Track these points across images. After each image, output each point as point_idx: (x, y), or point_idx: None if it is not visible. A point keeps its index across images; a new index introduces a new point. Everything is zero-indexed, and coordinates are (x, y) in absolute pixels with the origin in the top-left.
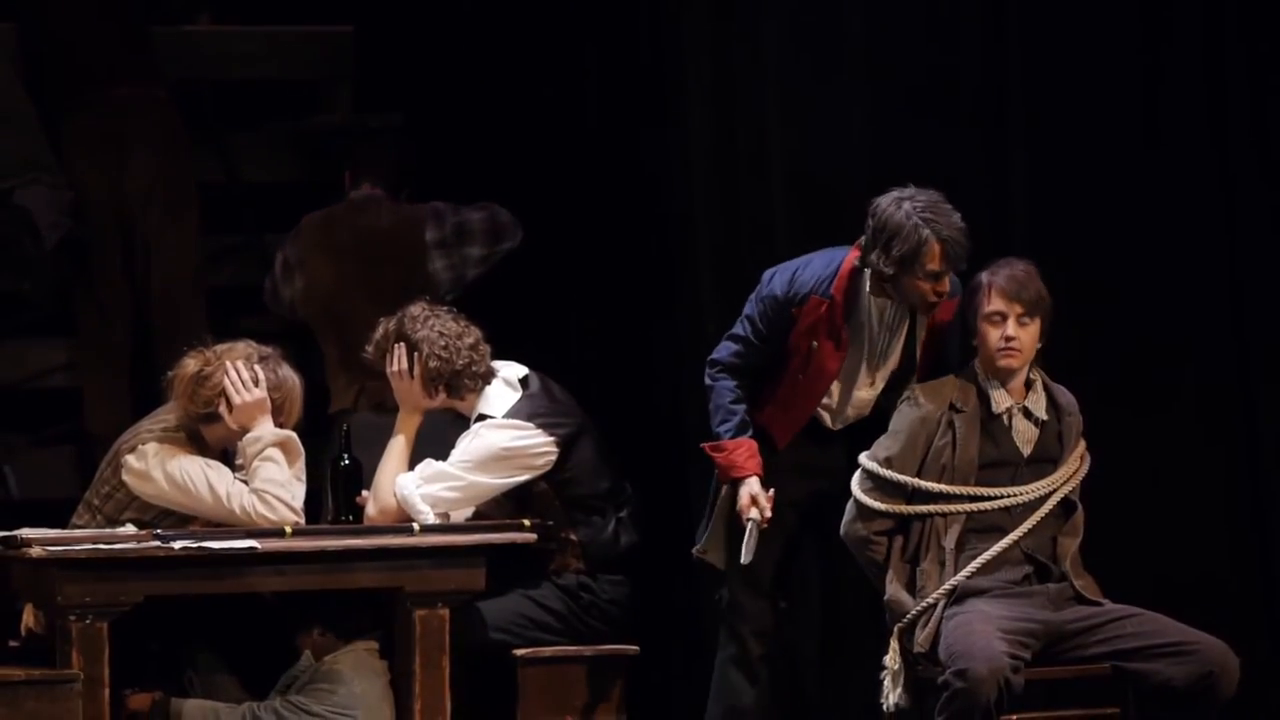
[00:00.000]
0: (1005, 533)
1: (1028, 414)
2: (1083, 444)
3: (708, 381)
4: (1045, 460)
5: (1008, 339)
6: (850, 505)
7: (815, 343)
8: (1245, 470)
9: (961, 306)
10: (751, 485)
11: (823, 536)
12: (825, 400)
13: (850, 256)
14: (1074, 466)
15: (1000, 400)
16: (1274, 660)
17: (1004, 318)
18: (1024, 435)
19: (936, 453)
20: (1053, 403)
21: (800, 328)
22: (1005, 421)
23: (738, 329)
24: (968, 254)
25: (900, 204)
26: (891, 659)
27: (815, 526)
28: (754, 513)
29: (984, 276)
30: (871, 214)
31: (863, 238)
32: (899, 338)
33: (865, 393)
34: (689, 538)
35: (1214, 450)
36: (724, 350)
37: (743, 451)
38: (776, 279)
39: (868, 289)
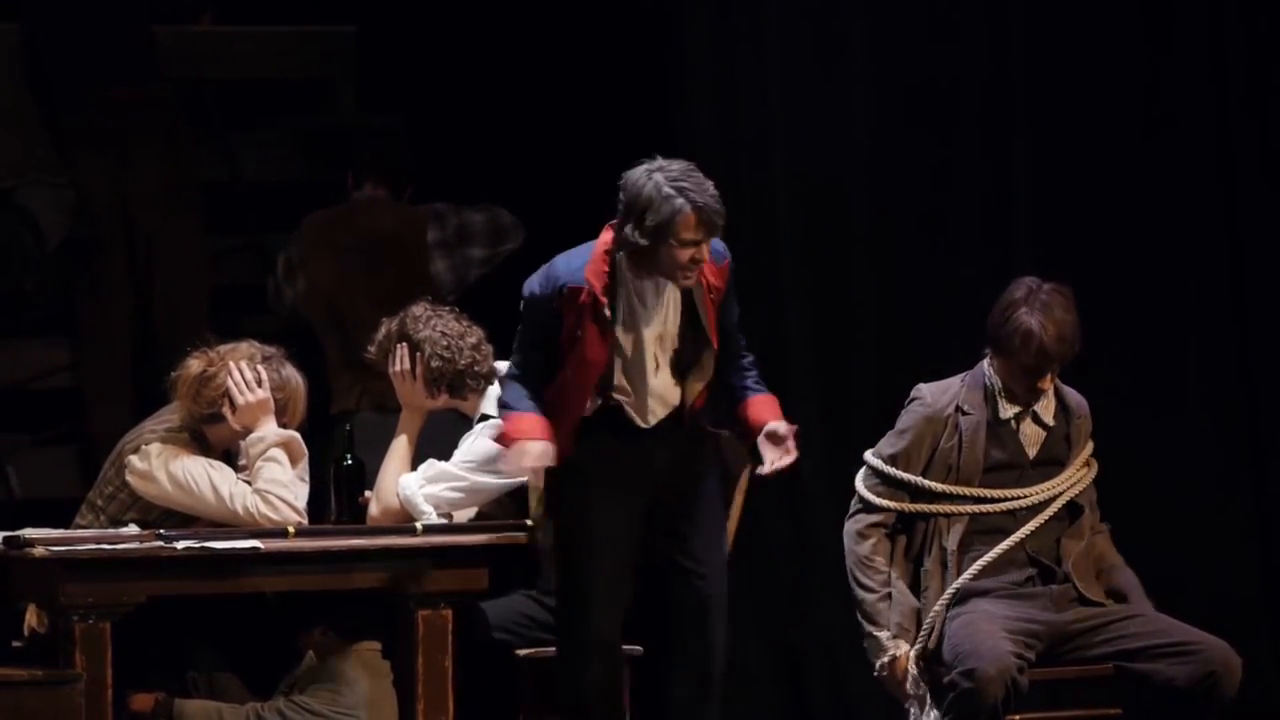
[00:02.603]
0: (1009, 534)
1: (1035, 418)
2: (1090, 446)
3: (500, 398)
4: (1052, 462)
5: (1041, 388)
6: (854, 500)
7: (580, 332)
8: (1248, 466)
9: (991, 324)
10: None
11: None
12: (622, 395)
13: (603, 240)
14: (1080, 471)
15: (1008, 406)
16: (1275, 660)
17: (1043, 372)
18: (1030, 439)
19: (943, 454)
20: (1062, 405)
21: (567, 323)
22: (1013, 426)
23: (515, 343)
24: (724, 220)
25: (651, 175)
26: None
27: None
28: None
29: (1033, 324)
30: (622, 188)
31: (614, 220)
32: (674, 315)
33: (661, 379)
34: None
35: (1216, 446)
36: (508, 367)
37: (531, 418)
38: (534, 278)
39: (626, 269)
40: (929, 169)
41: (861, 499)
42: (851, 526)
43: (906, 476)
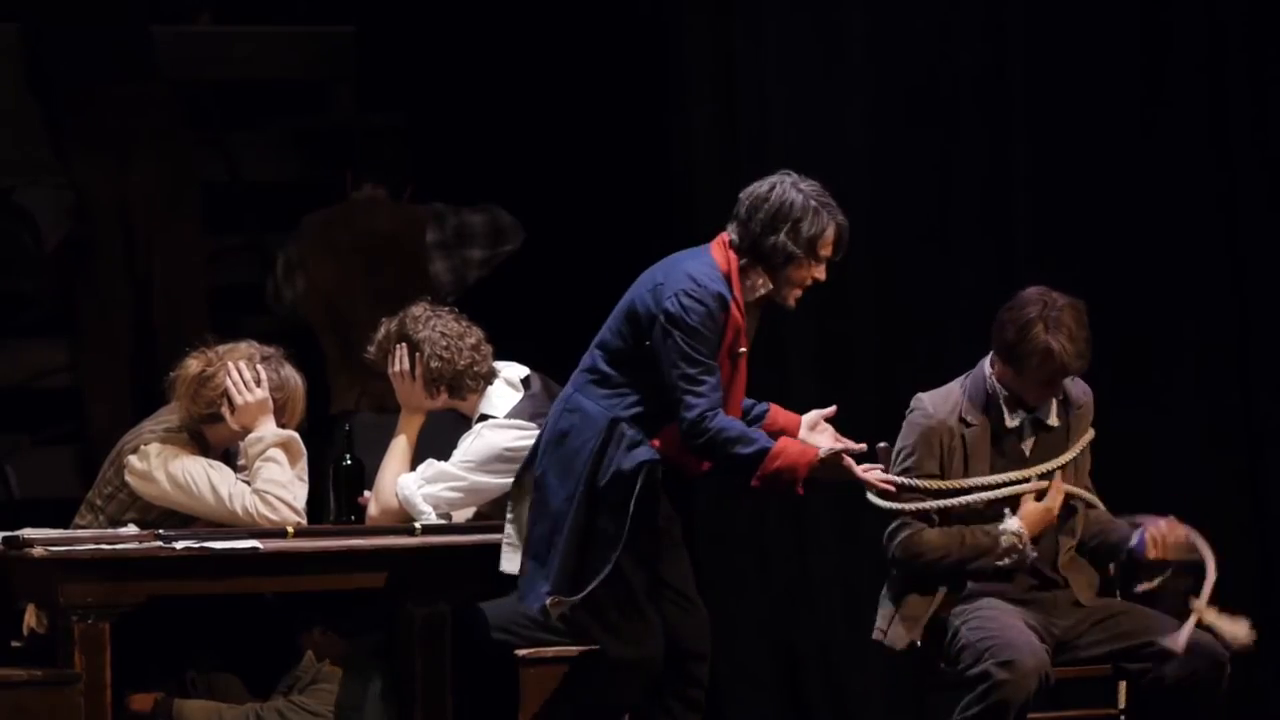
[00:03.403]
0: None
1: (1039, 423)
2: (1090, 434)
3: (708, 435)
4: (1049, 459)
5: (1051, 395)
6: (889, 524)
7: (743, 348)
8: (1247, 466)
9: (1004, 338)
10: (836, 453)
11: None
12: None
13: (726, 257)
14: (1079, 475)
15: (1013, 414)
16: (1275, 660)
17: (1058, 387)
18: (1030, 440)
19: (949, 465)
20: (1065, 402)
21: (727, 338)
22: (1015, 432)
23: (690, 370)
24: None
25: (798, 187)
26: None
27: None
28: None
29: (1052, 343)
30: (763, 199)
31: (728, 238)
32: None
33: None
34: (689, 536)
35: (1215, 445)
36: (700, 399)
37: (793, 442)
38: (695, 290)
39: (753, 286)
40: (929, 169)
41: (885, 511)
42: (897, 548)
43: (909, 480)
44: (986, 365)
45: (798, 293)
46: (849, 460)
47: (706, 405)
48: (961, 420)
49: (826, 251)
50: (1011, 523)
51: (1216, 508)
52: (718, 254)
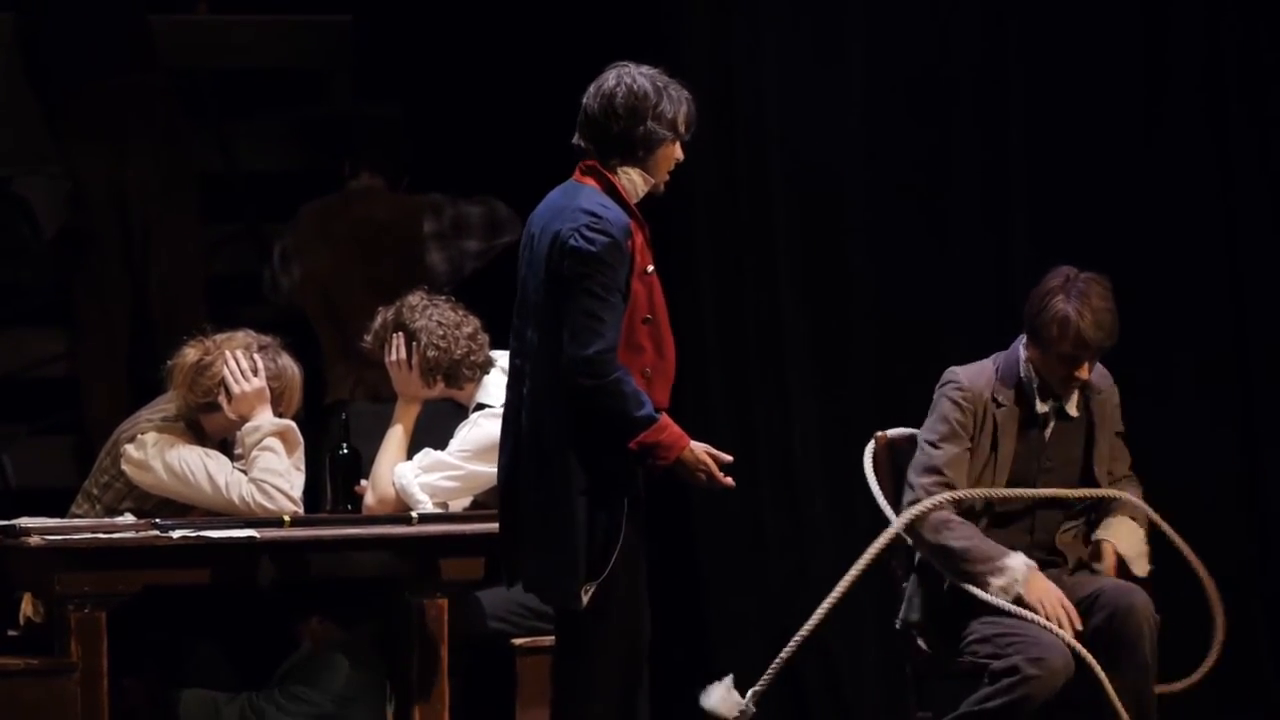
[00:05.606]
0: (1024, 527)
1: (1062, 414)
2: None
3: (607, 379)
4: (1068, 460)
5: (1078, 377)
6: (908, 490)
7: (650, 267)
8: (1246, 461)
9: (1028, 313)
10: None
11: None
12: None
13: (601, 177)
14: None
15: (1042, 402)
16: (1275, 659)
17: (1079, 361)
18: (1053, 433)
19: (979, 447)
20: (1085, 393)
21: (636, 265)
22: (1041, 423)
23: (594, 306)
24: None
25: (642, 73)
26: None
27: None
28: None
29: (1070, 310)
30: (613, 94)
31: (587, 162)
32: None
33: None
34: (688, 532)
35: (1214, 440)
36: (599, 337)
37: (673, 422)
38: (592, 230)
39: (634, 189)
40: (928, 166)
41: (911, 486)
42: (916, 510)
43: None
44: (1021, 348)
45: (667, 176)
46: (711, 461)
47: (605, 345)
48: (993, 399)
49: (685, 129)
50: (1020, 566)
51: (1217, 507)
52: (591, 181)
